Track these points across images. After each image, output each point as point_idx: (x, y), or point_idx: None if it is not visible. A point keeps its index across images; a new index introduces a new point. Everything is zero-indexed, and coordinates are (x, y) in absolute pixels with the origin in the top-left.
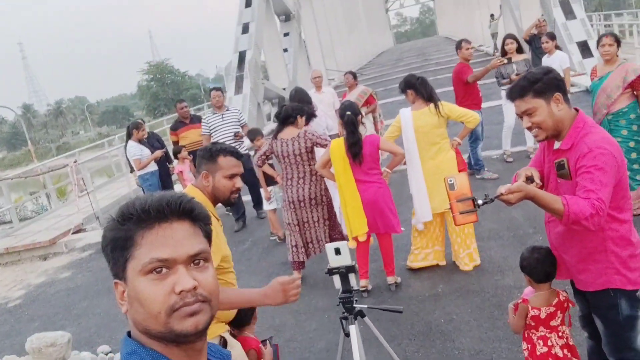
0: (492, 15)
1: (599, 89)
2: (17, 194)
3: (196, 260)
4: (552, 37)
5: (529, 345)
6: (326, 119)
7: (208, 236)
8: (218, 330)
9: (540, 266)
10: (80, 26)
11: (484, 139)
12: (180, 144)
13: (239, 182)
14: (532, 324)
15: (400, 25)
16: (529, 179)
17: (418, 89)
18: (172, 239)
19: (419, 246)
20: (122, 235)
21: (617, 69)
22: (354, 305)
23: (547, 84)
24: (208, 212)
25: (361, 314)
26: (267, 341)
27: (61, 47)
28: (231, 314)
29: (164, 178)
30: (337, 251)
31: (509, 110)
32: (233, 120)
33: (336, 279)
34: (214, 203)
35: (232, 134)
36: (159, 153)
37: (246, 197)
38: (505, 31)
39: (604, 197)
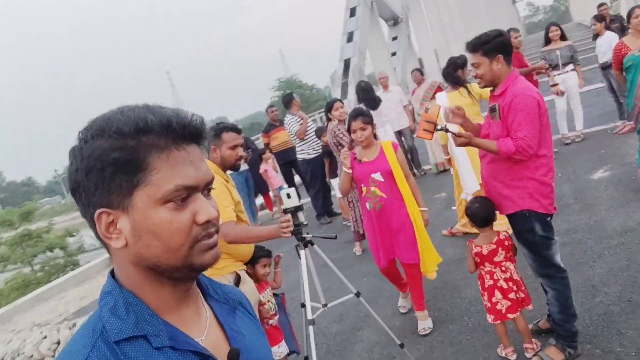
0: None
1: None
2: None
3: (208, 187)
4: (599, 19)
5: (480, 280)
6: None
7: None
8: (235, 266)
9: (479, 213)
10: (219, 53)
11: None
12: (271, 145)
13: (241, 151)
14: (478, 260)
15: (533, 15)
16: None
17: (446, 76)
18: (192, 164)
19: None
20: (131, 157)
21: None
22: (303, 235)
23: (494, 46)
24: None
25: (310, 242)
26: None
27: (204, 73)
28: (249, 253)
29: (256, 176)
30: (288, 195)
31: (558, 97)
32: None
33: (292, 216)
34: (224, 170)
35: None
36: (243, 156)
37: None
38: (627, 9)
39: (527, 134)
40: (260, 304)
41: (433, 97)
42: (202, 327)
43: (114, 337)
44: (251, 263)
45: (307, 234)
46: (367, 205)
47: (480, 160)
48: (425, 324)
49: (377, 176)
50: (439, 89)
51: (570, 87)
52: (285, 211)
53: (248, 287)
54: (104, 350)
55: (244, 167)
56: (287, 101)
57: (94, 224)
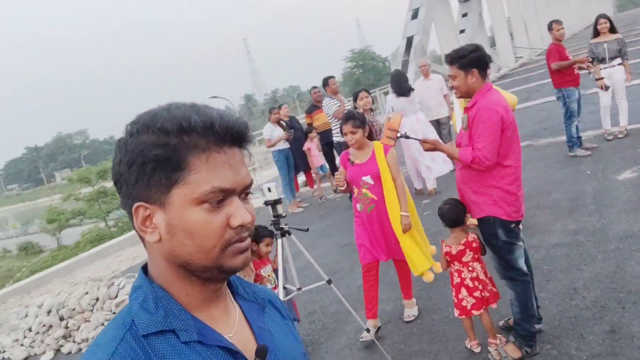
0: None
1: None
2: None
3: (246, 191)
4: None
5: (450, 277)
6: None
7: None
8: None
9: (448, 214)
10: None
11: (581, 117)
12: (313, 125)
13: None
14: (448, 259)
15: None
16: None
17: None
18: (231, 167)
19: None
20: (172, 155)
21: None
22: (281, 226)
23: (469, 61)
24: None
25: (288, 232)
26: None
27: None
28: None
29: (296, 155)
30: (269, 189)
31: (603, 91)
32: None
33: (271, 208)
34: None
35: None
36: (284, 135)
37: None
38: None
39: (485, 146)
40: (261, 277)
41: None
42: (230, 324)
43: (143, 330)
44: (255, 241)
45: (285, 225)
46: (358, 206)
47: (455, 166)
48: (410, 311)
49: (368, 179)
50: None
51: (616, 82)
52: (265, 203)
53: None
54: (131, 343)
55: (285, 145)
56: (324, 84)
57: (132, 216)
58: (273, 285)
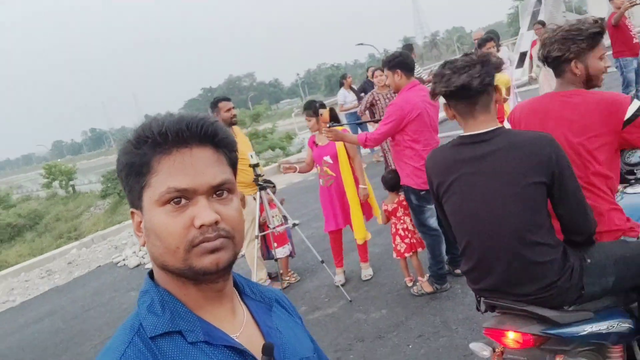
0: None
1: None
2: None
3: (219, 191)
4: (542, 24)
5: (390, 229)
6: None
7: (233, 165)
8: (244, 191)
9: (388, 182)
10: None
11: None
12: None
13: (233, 111)
14: (387, 215)
15: None
16: None
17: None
18: (192, 167)
19: None
20: (137, 160)
21: None
22: (260, 183)
23: (396, 64)
24: (234, 138)
25: (264, 188)
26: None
27: None
28: (250, 180)
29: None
30: (252, 156)
31: None
32: None
33: (253, 169)
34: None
35: None
36: (356, 104)
37: None
38: None
39: (378, 133)
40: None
41: None
42: (237, 324)
43: (150, 332)
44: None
45: (264, 181)
46: (321, 181)
47: None
48: (367, 272)
49: (327, 158)
50: None
51: None
52: (250, 165)
53: (249, 206)
54: (140, 346)
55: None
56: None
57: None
58: (279, 224)
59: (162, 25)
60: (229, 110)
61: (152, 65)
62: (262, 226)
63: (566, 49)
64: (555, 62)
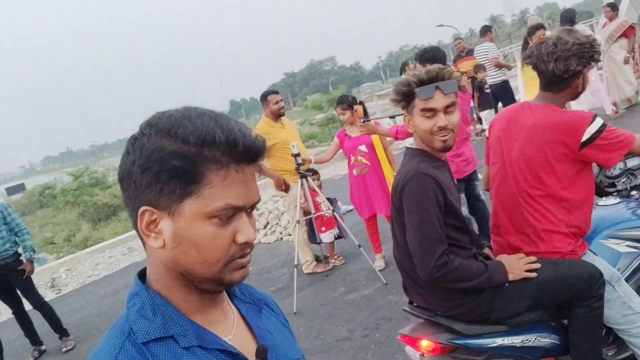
0: None
1: None
2: None
3: (253, 207)
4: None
5: None
6: None
7: None
8: (289, 180)
9: None
10: None
11: None
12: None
13: (281, 103)
14: None
15: None
16: None
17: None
18: (245, 184)
19: None
20: (190, 167)
21: None
22: (301, 171)
23: (427, 58)
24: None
25: (305, 177)
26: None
27: None
28: (292, 167)
29: None
30: (293, 147)
31: None
32: None
33: (295, 158)
34: (274, 120)
35: None
36: None
37: None
38: None
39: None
40: (318, 203)
41: (622, 36)
42: (229, 327)
43: (142, 338)
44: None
45: (306, 170)
46: (354, 171)
47: None
48: (379, 263)
49: (363, 147)
50: (632, 29)
51: None
52: (292, 155)
53: (292, 191)
54: (131, 351)
55: None
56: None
57: (136, 217)
58: (326, 208)
59: (244, 16)
60: (277, 102)
61: (237, 55)
62: (305, 212)
63: (586, 62)
64: (566, 75)
